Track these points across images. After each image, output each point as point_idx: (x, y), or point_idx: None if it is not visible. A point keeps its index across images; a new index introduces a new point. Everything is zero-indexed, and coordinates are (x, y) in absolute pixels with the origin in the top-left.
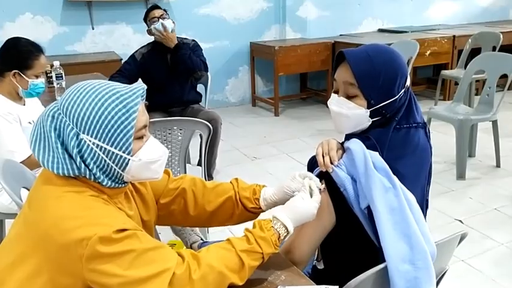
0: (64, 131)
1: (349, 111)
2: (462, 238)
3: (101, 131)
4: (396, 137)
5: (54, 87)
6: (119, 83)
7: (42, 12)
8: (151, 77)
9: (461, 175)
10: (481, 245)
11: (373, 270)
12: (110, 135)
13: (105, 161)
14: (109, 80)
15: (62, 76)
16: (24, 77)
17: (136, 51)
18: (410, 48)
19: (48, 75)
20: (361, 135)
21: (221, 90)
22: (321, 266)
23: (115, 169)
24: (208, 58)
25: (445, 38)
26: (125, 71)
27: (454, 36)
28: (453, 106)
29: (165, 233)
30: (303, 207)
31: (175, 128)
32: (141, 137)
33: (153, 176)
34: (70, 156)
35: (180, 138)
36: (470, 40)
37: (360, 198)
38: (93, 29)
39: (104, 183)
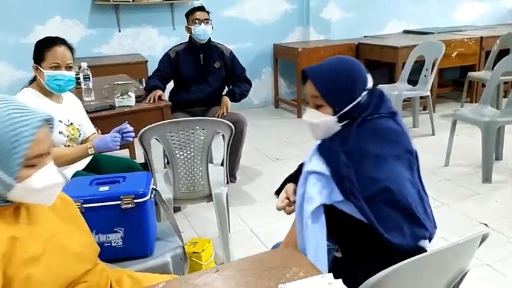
0: None
1: (318, 120)
2: (483, 239)
3: None
4: (366, 126)
5: (81, 88)
6: (24, 106)
7: (70, 16)
8: (181, 74)
9: (487, 178)
10: (506, 248)
11: (390, 269)
12: None
13: None
14: (148, 79)
15: (89, 77)
16: (41, 69)
17: (170, 49)
18: (435, 50)
19: (76, 76)
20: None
21: None
22: (339, 255)
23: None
24: None
25: (472, 39)
26: (160, 70)
27: (481, 37)
28: (480, 108)
29: (187, 232)
30: None
31: (197, 127)
32: (33, 165)
33: (41, 202)
34: None
35: (202, 138)
36: (498, 41)
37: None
38: (119, 31)
39: None
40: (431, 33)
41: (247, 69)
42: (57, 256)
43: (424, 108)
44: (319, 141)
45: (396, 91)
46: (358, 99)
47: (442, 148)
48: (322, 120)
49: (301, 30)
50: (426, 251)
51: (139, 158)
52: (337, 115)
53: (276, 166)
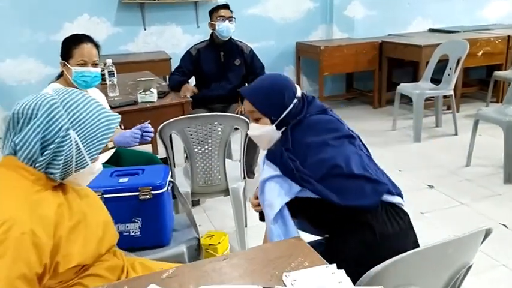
0: (56, 121)
1: (260, 131)
2: (487, 234)
3: (87, 134)
4: (301, 125)
5: (106, 83)
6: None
7: (98, 14)
8: (202, 71)
9: (509, 179)
10: None
11: (390, 260)
12: (90, 141)
13: (72, 158)
14: (170, 76)
15: (113, 74)
16: (68, 65)
17: (192, 47)
18: (459, 48)
19: (102, 72)
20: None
21: None
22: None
23: (72, 168)
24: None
25: (498, 38)
26: (182, 67)
27: (508, 36)
28: (503, 108)
29: (205, 226)
30: None
31: (215, 123)
32: (102, 152)
33: (85, 183)
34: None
35: (219, 133)
36: None
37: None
38: (145, 29)
39: (56, 176)
40: (457, 31)
41: (270, 68)
42: (87, 232)
43: (448, 108)
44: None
45: (418, 90)
46: (290, 106)
47: (464, 148)
48: (263, 131)
49: (324, 28)
50: (396, 205)
51: (162, 153)
52: (275, 124)
53: None
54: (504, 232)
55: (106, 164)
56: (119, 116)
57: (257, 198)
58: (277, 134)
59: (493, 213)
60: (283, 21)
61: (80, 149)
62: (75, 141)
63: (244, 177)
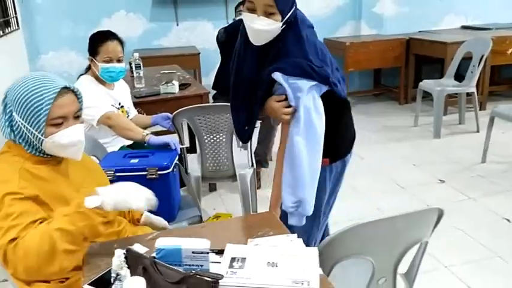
0: (6, 107)
1: (269, 27)
2: (440, 216)
3: (23, 112)
4: (298, 24)
5: (133, 76)
6: (48, 77)
7: (134, 10)
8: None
9: None
10: None
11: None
12: (28, 117)
13: (25, 134)
14: None
15: (140, 66)
16: (95, 61)
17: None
18: (482, 46)
19: (130, 65)
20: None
21: None
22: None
23: (36, 144)
24: None
25: None
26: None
27: None
28: None
29: (219, 209)
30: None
31: (223, 113)
32: (56, 124)
33: (70, 156)
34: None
35: (226, 122)
36: None
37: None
38: (177, 25)
39: (28, 151)
40: (489, 29)
41: None
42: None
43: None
44: (279, 73)
45: (439, 87)
46: (295, 4)
47: (483, 146)
48: (272, 27)
49: (353, 24)
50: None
51: (187, 143)
52: (283, 21)
53: None
54: (506, 226)
55: (128, 148)
56: (58, 85)
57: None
58: (278, 31)
59: (498, 208)
60: (312, 17)
61: (26, 126)
62: (20, 121)
63: (252, 165)
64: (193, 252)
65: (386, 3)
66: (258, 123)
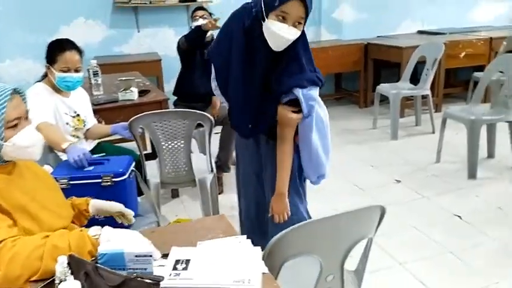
0: None
1: (295, 36)
2: (383, 213)
3: None
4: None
5: (92, 83)
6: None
7: (93, 17)
8: (191, 60)
9: (472, 175)
10: (474, 240)
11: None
12: None
13: None
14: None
15: (98, 73)
16: (52, 70)
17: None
18: (435, 50)
19: (88, 72)
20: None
21: None
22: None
23: None
24: None
25: (481, 40)
26: None
27: (491, 38)
28: (469, 107)
29: (181, 216)
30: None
31: (179, 119)
32: (12, 127)
33: (30, 157)
34: None
35: (184, 128)
36: (505, 42)
37: None
38: (138, 31)
39: None
40: (443, 33)
41: None
42: (39, 209)
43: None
44: (299, 89)
45: (395, 90)
46: None
47: (441, 146)
48: (297, 37)
49: (313, 30)
50: None
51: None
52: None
53: None
54: (457, 223)
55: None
56: (8, 88)
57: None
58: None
59: (451, 206)
60: None
61: None
62: None
63: (212, 170)
64: (136, 256)
65: (345, 9)
66: (219, 128)
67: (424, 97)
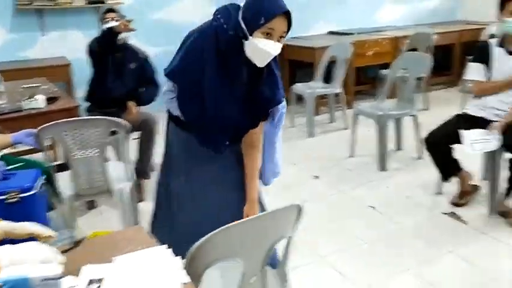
0: None
1: (279, 51)
2: (300, 211)
3: None
4: None
5: None
6: None
7: None
8: (102, 65)
9: (382, 167)
10: (386, 228)
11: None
12: None
13: None
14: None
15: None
16: None
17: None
18: (345, 50)
19: None
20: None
21: None
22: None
23: None
24: (160, 62)
25: (386, 39)
26: None
27: (395, 37)
28: (377, 103)
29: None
30: None
31: (92, 127)
32: None
33: None
34: None
35: (97, 136)
36: (408, 41)
37: None
38: (44, 35)
39: None
40: (352, 34)
41: None
42: None
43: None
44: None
45: (309, 89)
46: None
47: (354, 141)
48: (279, 51)
49: None
50: None
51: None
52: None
53: None
54: (371, 214)
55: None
56: None
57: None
58: None
59: (364, 198)
60: (189, 25)
61: None
62: None
63: (131, 178)
64: (43, 280)
65: None
66: (137, 134)
67: (336, 95)
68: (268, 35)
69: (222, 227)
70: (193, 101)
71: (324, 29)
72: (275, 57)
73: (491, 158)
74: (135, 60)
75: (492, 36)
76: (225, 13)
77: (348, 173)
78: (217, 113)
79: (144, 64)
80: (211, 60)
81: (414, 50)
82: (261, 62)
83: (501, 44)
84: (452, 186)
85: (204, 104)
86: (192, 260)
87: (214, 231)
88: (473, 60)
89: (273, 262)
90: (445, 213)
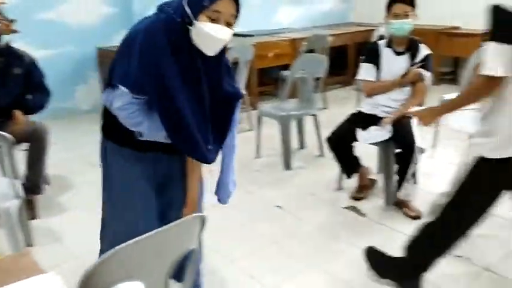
0: None
1: (229, 37)
2: (203, 221)
3: None
4: None
5: None
6: None
7: None
8: None
9: (287, 166)
10: (295, 225)
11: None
12: None
13: None
14: None
15: None
16: None
17: None
18: (246, 52)
19: None
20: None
21: (70, 98)
22: None
23: None
24: (52, 65)
25: (286, 41)
26: None
27: (293, 39)
28: (279, 104)
29: None
30: None
31: None
32: None
33: None
34: None
35: None
36: (305, 42)
37: None
38: None
39: None
40: (252, 35)
41: (73, 75)
42: None
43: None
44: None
45: None
46: None
47: (259, 142)
48: (231, 36)
49: (125, 33)
50: None
51: None
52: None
53: (98, 171)
54: (278, 213)
55: None
56: None
57: None
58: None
59: (271, 198)
60: (81, 26)
61: None
62: None
63: (19, 195)
64: None
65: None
66: (26, 145)
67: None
68: (214, 20)
69: (117, 247)
70: (170, 108)
71: None
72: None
73: (385, 153)
74: (21, 64)
75: (381, 37)
76: (172, 1)
77: (255, 174)
78: (186, 113)
79: (31, 69)
80: (167, 56)
81: (312, 51)
82: (208, 49)
83: (389, 45)
84: (352, 181)
85: (176, 106)
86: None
87: (108, 253)
88: (365, 61)
89: (180, 275)
90: (346, 208)
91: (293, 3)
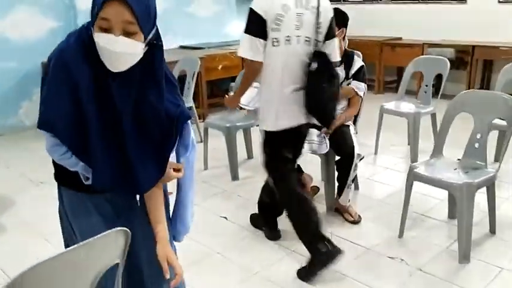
0: None
1: (134, 49)
2: (127, 235)
3: None
4: (160, 51)
5: None
6: None
7: None
8: None
9: (234, 176)
10: (239, 236)
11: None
12: None
13: None
14: None
15: None
16: None
17: None
18: (193, 64)
19: None
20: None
21: (15, 114)
22: None
23: None
24: None
25: (234, 53)
26: None
27: None
28: (226, 115)
29: None
30: None
31: None
32: None
33: None
34: None
35: None
36: None
37: None
38: None
39: None
40: (202, 48)
41: (18, 91)
42: None
43: (200, 118)
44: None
45: None
46: (155, 23)
47: (208, 154)
48: (137, 49)
49: None
50: None
51: None
52: (146, 42)
53: (39, 189)
54: (223, 224)
55: None
56: None
57: None
58: (141, 55)
59: (217, 209)
60: (24, 41)
61: None
62: None
63: None
64: None
65: None
66: None
67: (189, 108)
68: (106, 30)
69: (30, 267)
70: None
71: (173, 42)
72: (164, 60)
73: (326, 161)
74: None
75: None
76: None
77: (202, 185)
78: (104, 144)
79: None
80: (83, 73)
81: None
82: (110, 65)
83: None
84: None
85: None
86: None
87: (19, 273)
88: None
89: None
90: None
91: (242, 16)
